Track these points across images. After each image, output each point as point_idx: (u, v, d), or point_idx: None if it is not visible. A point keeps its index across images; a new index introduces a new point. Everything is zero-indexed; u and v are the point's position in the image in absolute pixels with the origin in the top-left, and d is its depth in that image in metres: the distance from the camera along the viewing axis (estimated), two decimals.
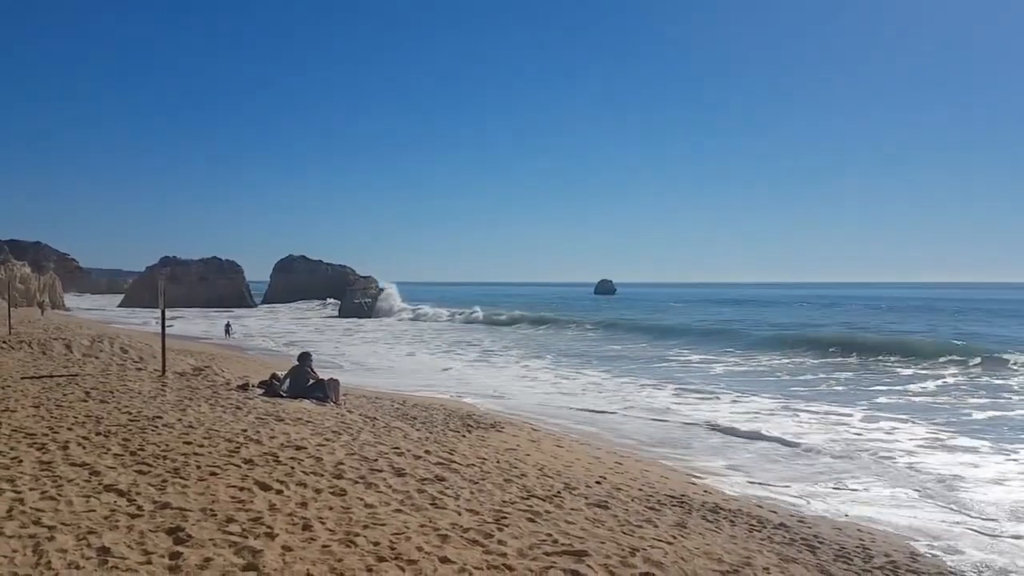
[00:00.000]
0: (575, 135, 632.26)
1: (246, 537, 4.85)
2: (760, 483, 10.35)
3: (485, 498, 6.73)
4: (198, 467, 6.71)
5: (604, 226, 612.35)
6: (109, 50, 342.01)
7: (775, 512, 8.44)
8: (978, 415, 16.28)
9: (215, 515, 5.30)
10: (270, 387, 13.13)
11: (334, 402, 12.80)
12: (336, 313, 73.74)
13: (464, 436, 11.26)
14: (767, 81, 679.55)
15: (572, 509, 6.76)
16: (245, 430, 8.83)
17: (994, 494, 9.80)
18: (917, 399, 19.08)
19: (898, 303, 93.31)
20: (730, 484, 10.13)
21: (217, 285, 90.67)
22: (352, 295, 74.80)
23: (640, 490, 8.58)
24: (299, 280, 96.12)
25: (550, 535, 5.65)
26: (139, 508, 5.36)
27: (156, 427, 8.63)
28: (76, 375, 13.57)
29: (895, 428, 14.58)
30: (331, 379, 13.62)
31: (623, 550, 5.50)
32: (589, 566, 4.97)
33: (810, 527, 7.81)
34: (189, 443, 7.78)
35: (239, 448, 7.70)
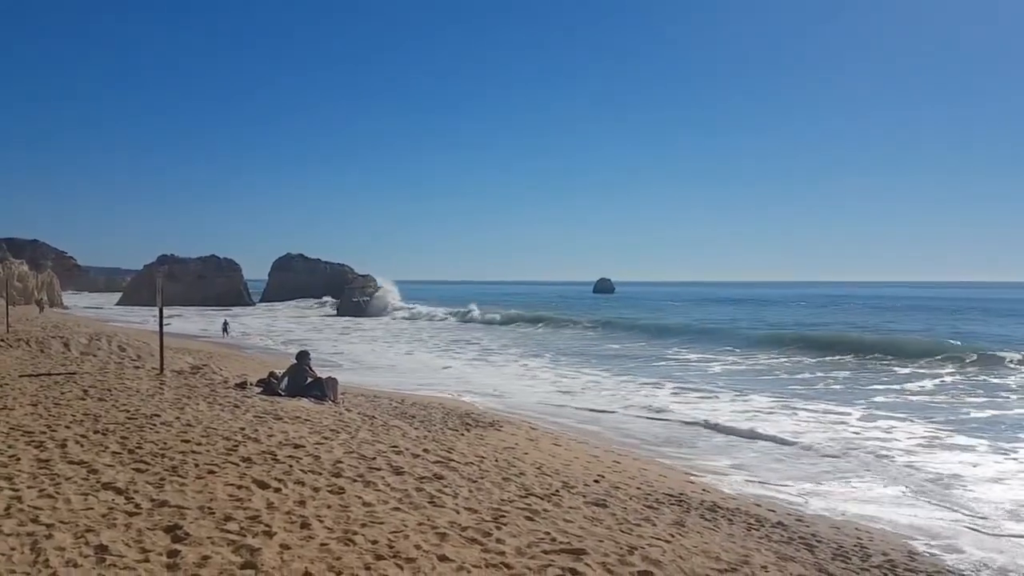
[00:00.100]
0: (574, 134, 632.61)
1: (244, 535, 4.85)
2: (758, 482, 10.35)
3: (483, 496, 6.72)
4: (196, 465, 6.71)
5: (603, 225, 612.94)
6: (108, 50, 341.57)
7: (773, 511, 8.45)
8: (976, 414, 16.30)
9: (213, 513, 5.29)
10: (268, 385, 13.12)
11: (332, 400, 12.79)
12: (334, 312, 73.72)
13: (462, 435, 11.26)
14: (767, 81, 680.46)
15: (570, 507, 6.76)
16: (243, 428, 8.83)
17: (993, 493, 9.81)
18: (915, 398, 19.10)
19: (896, 302, 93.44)
20: (728, 483, 10.14)
21: (215, 283, 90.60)
22: (350, 294, 74.79)
23: (638, 489, 8.59)
24: (297, 279, 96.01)
25: (548, 533, 5.65)
26: (137, 506, 5.35)
27: (154, 425, 8.62)
28: (74, 373, 13.56)
29: (893, 427, 14.60)
30: (329, 377, 13.61)
31: (621, 548, 5.50)
32: (587, 564, 4.97)
33: (808, 526, 7.82)
34: (187, 441, 7.77)
35: (237, 446, 7.69)
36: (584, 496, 7.43)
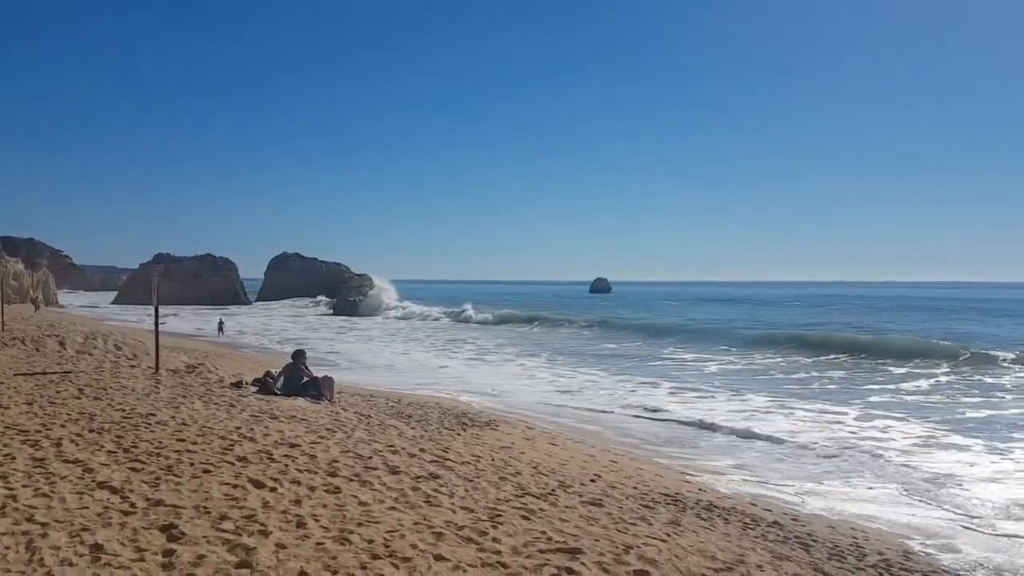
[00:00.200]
0: (573, 134, 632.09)
1: (240, 535, 4.84)
2: (754, 481, 10.36)
3: (479, 496, 6.73)
4: (191, 464, 6.69)
5: (601, 225, 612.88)
6: (105, 49, 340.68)
7: (769, 510, 8.46)
8: (972, 414, 16.34)
9: (209, 512, 5.28)
10: (264, 385, 13.10)
11: (328, 400, 12.78)
12: (330, 311, 73.64)
13: (459, 434, 11.25)
14: (766, 81, 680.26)
15: (566, 507, 6.76)
16: (239, 427, 8.81)
17: (989, 492, 9.83)
18: (910, 398, 19.15)
19: (892, 302, 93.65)
20: (724, 482, 10.15)
21: (211, 282, 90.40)
22: (347, 293, 74.70)
23: (634, 488, 8.59)
24: (293, 278, 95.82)
25: (544, 533, 5.65)
26: (132, 505, 5.34)
27: (149, 424, 8.60)
28: (69, 372, 13.53)
29: (889, 427, 14.63)
30: (325, 377, 13.60)
31: (617, 548, 5.50)
32: (583, 563, 4.98)
33: (804, 525, 7.83)
34: (182, 440, 7.75)
35: (233, 446, 7.68)
36: (580, 495, 7.43)
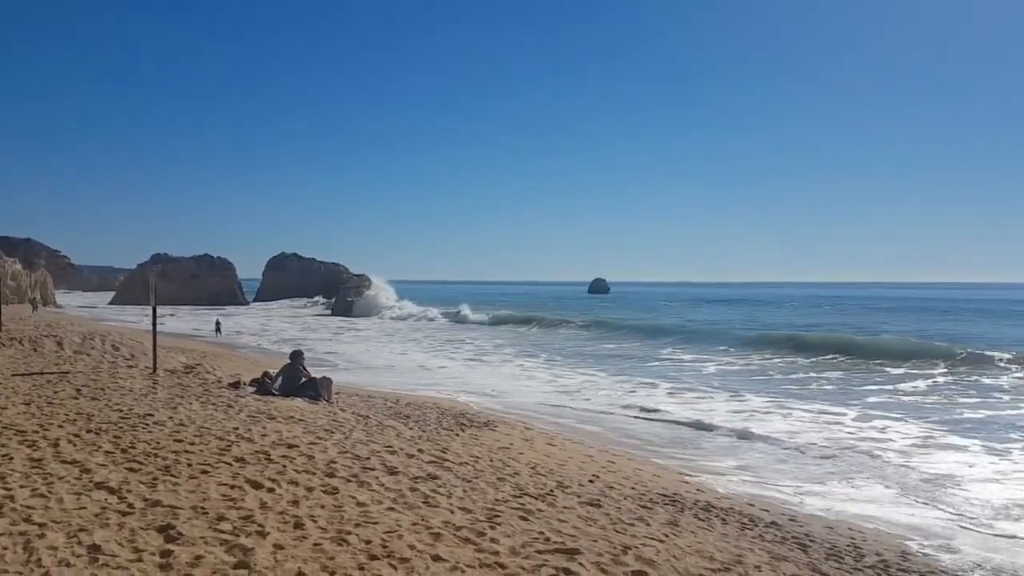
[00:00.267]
0: (573, 134, 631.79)
1: (237, 535, 4.84)
2: (752, 481, 10.37)
3: (478, 496, 6.72)
4: (189, 465, 6.69)
5: (600, 225, 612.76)
6: (105, 49, 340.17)
7: (767, 511, 8.46)
8: (969, 414, 16.37)
9: (206, 513, 5.28)
10: (262, 385, 13.09)
11: (326, 400, 12.77)
12: (328, 311, 73.60)
13: (457, 435, 11.25)
14: (766, 81, 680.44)
15: (564, 507, 6.76)
16: (236, 428, 8.80)
17: (987, 493, 9.85)
18: (908, 398, 19.17)
19: (890, 303, 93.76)
20: (723, 483, 10.15)
21: (209, 282, 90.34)
22: (345, 293, 74.66)
23: (633, 489, 8.59)
24: (292, 278, 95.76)
25: (542, 533, 5.65)
26: (130, 506, 5.33)
27: (147, 425, 8.60)
28: (67, 372, 13.51)
29: (887, 427, 14.65)
30: (323, 377, 13.59)
31: (615, 548, 5.51)
32: (581, 564, 4.98)
33: (802, 526, 7.84)
34: (180, 441, 7.75)
35: (230, 446, 7.67)
36: (578, 496, 7.43)
